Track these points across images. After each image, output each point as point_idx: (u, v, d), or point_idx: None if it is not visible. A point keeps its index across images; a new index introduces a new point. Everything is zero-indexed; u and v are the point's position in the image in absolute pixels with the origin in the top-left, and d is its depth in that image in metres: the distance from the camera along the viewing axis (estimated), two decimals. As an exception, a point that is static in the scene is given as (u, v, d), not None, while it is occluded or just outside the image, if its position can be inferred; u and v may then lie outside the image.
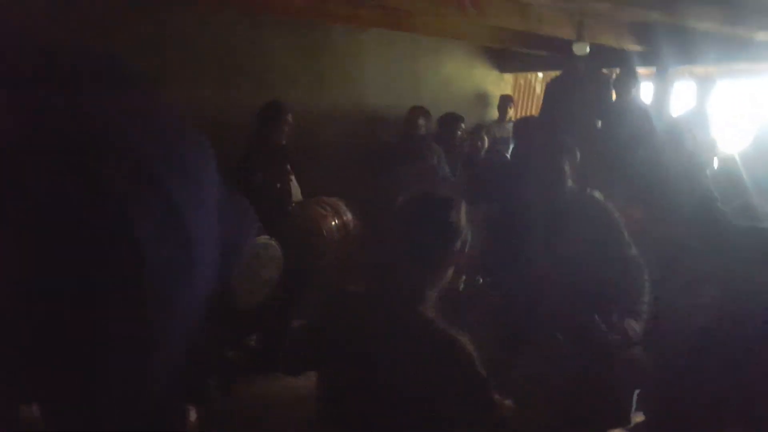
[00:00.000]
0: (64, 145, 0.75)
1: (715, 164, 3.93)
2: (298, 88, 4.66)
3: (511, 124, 4.99)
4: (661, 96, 4.35)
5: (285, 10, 4.00)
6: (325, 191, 3.79)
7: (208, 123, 4.21)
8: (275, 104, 3.51)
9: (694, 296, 2.51)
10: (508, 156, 4.50)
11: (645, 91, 4.28)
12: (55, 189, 0.72)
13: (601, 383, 2.48)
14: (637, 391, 3.05)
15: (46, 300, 0.72)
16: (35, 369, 0.76)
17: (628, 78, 4.02)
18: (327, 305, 1.53)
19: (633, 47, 4.12)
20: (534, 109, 5.88)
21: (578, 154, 2.65)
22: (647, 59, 4.19)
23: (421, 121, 4.30)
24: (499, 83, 5.77)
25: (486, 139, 4.66)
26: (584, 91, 4.15)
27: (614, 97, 4.14)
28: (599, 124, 4.13)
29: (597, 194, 2.67)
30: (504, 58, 5.62)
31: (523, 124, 4.29)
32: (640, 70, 4.16)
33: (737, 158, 3.56)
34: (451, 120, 4.37)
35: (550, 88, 4.43)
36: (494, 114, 5.56)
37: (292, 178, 3.67)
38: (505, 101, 5.43)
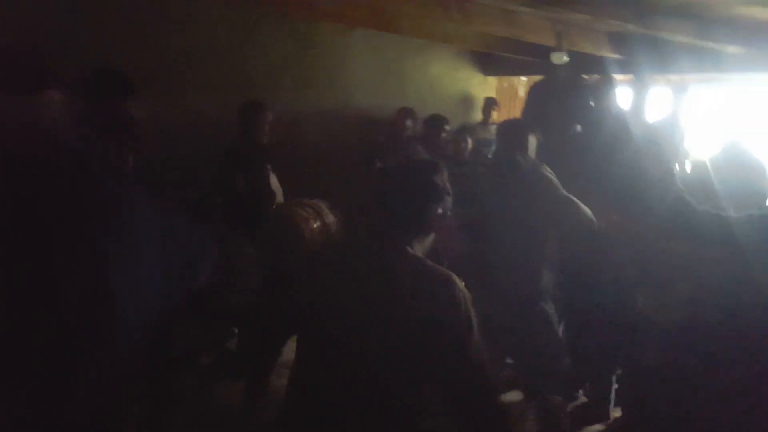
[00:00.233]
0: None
1: (688, 168, 4.10)
2: (283, 87, 4.69)
3: (494, 126, 5.11)
4: (637, 102, 4.51)
5: (271, 4, 4.03)
6: (308, 192, 3.83)
7: (192, 121, 4.29)
8: (255, 103, 3.49)
9: (668, 294, 2.64)
10: (490, 157, 4.62)
11: (622, 97, 4.44)
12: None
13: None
14: (615, 387, 3.19)
15: None
16: None
17: (607, 84, 4.17)
18: (304, 267, 1.53)
19: (611, 55, 4.27)
20: (517, 112, 6.01)
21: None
22: (625, 67, 4.34)
23: (408, 122, 4.39)
24: (483, 86, 5.89)
25: (470, 140, 4.77)
26: (565, 96, 4.28)
27: (593, 102, 4.28)
28: (579, 128, 4.26)
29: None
30: (488, 62, 5.74)
31: (506, 126, 4.41)
32: (618, 77, 4.31)
33: (708, 164, 3.72)
34: (436, 121, 4.47)
35: (532, 92, 4.56)
36: (478, 116, 5.68)
37: (274, 178, 3.66)
38: (489, 103, 5.56)
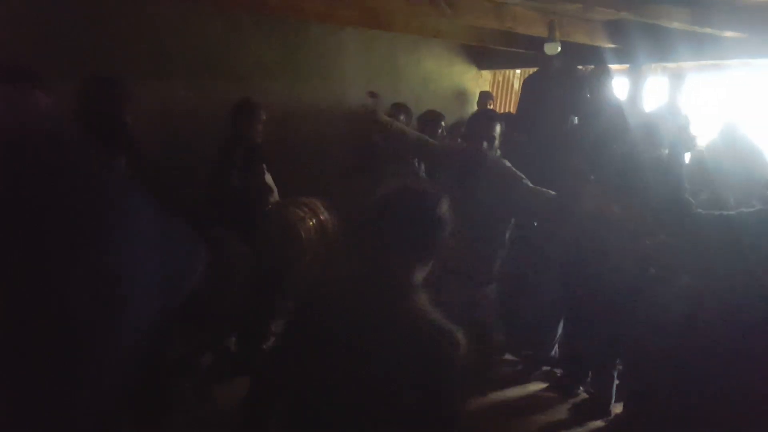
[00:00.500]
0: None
1: (687, 157, 4.03)
2: (277, 86, 4.65)
3: (490, 120, 5.06)
4: (634, 91, 4.45)
5: (261, 7, 4.00)
6: (303, 190, 3.81)
7: (185, 120, 4.28)
8: (247, 102, 3.47)
9: (670, 285, 2.60)
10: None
11: (619, 87, 4.38)
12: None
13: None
14: (616, 383, 3.15)
15: None
16: None
17: (602, 74, 4.10)
18: (307, 303, 1.50)
19: (606, 44, 4.21)
20: (512, 105, 5.96)
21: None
22: (621, 56, 4.28)
23: (402, 118, 4.33)
24: (477, 80, 5.84)
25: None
26: (560, 87, 4.23)
27: (589, 93, 4.23)
28: (575, 120, 4.21)
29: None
30: (482, 56, 5.69)
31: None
32: (614, 67, 4.25)
33: (705, 151, 3.66)
34: (431, 117, 4.41)
35: (527, 84, 4.50)
36: (473, 110, 5.62)
37: (268, 177, 3.65)
38: (485, 98, 5.50)
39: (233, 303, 3.35)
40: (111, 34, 3.89)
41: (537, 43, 3.95)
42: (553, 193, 2.74)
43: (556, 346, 3.67)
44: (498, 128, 2.78)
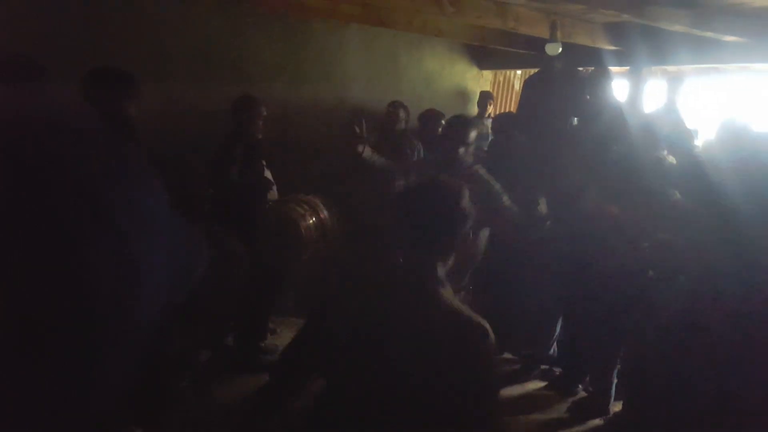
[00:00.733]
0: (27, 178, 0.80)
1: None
2: (278, 83, 4.67)
3: (490, 120, 5.08)
4: (634, 94, 4.48)
5: (263, 4, 4.02)
6: (303, 188, 3.82)
7: (186, 116, 4.29)
8: (248, 98, 3.46)
9: (669, 285, 2.61)
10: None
11: (619, 89, 4.40)
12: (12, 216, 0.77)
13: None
14: (615, 381, 3.17)
15: None
16: None
17: (603, 76, 4.13)
18: (331, 299, 1.52)
19: (607, 46, 4.24)
20: (513, 106, 5.99)
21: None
22: (621, 58, 4.31)
23: (402, 115, 4.35)
24: (478, 80, 5.86)
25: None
26: (560, 88, 4.25)
27: (589, 94, 4.25)
28: (575, 121, 4.23)
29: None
30: (483, 56, 5.71)
31: (501, 119, 4.38)
32: (614, 69, 4.27)
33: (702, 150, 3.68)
34: (431, 116, 4.44)
35: (528, 85, 4.52)
36: (474, 110, 5.65)
37: (268, 173, 3.64)
38: (485, 97, 5.52)
39: (231, 300, 3.36)
40: (112, 33, 3.90)
41: (538, 44, 3.98)
42: (516, 209, 2.79)
43: (555, 345, 3.69)
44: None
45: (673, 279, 2.58)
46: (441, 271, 1.40)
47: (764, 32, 3.38)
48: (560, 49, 3.76)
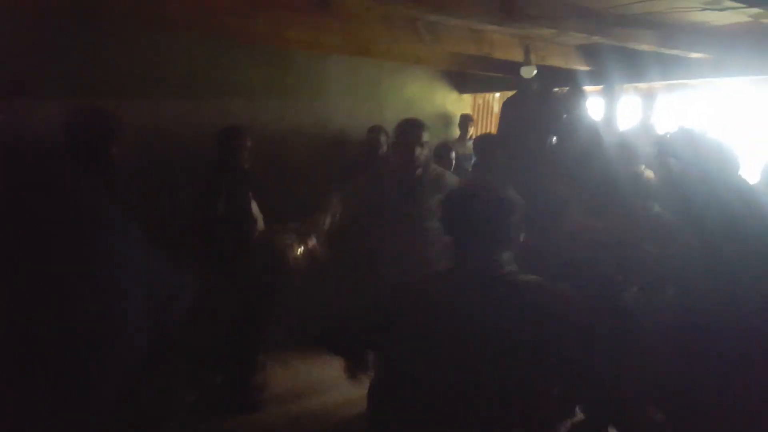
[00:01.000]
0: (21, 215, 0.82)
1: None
2: (262, 111, 4.72)
3: (472, 141, 5.18)
4: (609, 111, 4.62)
5: (247, 36, 4.10)
6: (288, 214, 3.84)
7: (170, 145, 4.32)
8: (234, 128, 3.46)
9: (655, 297, 2.66)
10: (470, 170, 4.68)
11: (594, 107, 4.54)
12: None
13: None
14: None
15: None
16: None
17: (578, 96, 4.26)
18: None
19: (581, 67, 4.38)
20: (492, 127, 6.12)
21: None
22: (595, 78, 4.46)
23: (383, 139, 4.43)
24: (459, 103, 5.99)
25: (453, 158, 4.71)
26: (538, 109, 4.37)
27: (566, 113, 4.37)
28: (553, 140, 4.34)
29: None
30: (463, 80, 5.85)
31: (482, 140, 4.48)
32: (589, 88, 4.41)
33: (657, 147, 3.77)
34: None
35: (506, 107, 4.63)
36: (456, 132, 5.76)
37: (254, 204, 3.61)
38: (466, 120, 5.65)
39: (214, 337, 3.27)
40: (99, 59, 3.95)
41: (514, 68, 4.10)
42: None
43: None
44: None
45: (657, 291, 2.63)
46: (506, 259, 1.48)
47: (727, 49, 3.53)
48: (535, 72, 3.89)
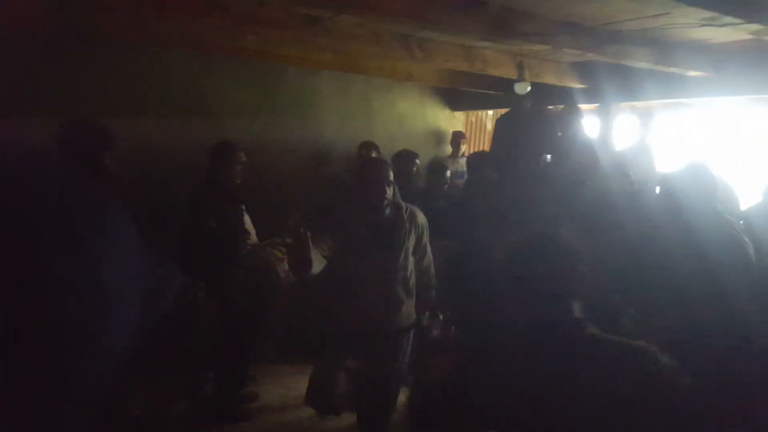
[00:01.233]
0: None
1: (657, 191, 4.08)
2: (253, 127, 4.69)
3: (464, 159, 5.10)
4: (604, 130, 4.54)
5: (238, 51, 4.05)
6: (281, 230, 3.77)
7: (162, 161, 4.29)
8: (225, 144, 3.45)
9: (655, 320, 2.58)
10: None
11: (589, 126, 4.46)
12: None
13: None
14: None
15: None
16: None
17: (573, 114, 4.18)
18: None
19: (575, 85, 4.30)
20: (485, 145, 6.04)
21: None
22: (590, 95, 4.38)
23: (374, 155, 4.35)
24: (451, 120, 5.92)
25: (448, 175, 4.55)
26: (531, 127, 4.29)
27: (560, 132, 4.29)
28: (548, 158, 4.26)
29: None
30: (455, 97, 5.79)
31: (475, 157, 4.39)
32: (585, 106, 4.34)
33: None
34: (406, 156, 4.43)
35: (499, 125, 4.56)
36: (448, 149, 5.68)
37: (247, 218, 3.62)
38: (458, 137, 5.57)
39: (200, 349, 3.30)
40: (91, 77, 3.97)
41: (507, 85, 4.03)
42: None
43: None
44: (392, 174, 2.60)
45: (661, 312, 2.55)
46: (578, 309, 1.42)
47: (726, 67, 3.46)
48: (529, 88, 3.81)
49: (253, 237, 3.76)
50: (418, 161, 4.50)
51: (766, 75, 3.33)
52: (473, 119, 6.31)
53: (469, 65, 3.72)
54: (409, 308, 2.61)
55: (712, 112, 4.52)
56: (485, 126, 6.22)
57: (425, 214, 3.16)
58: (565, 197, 3.55)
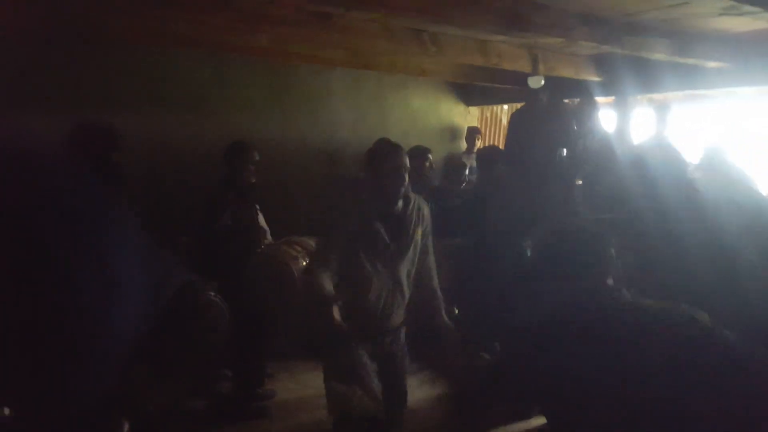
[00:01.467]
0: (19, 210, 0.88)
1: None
2: (267, 126, 4.72)
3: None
4: (621, 123, 4.47)
5: (250, 51, 4.06)
6: (292, 228, 3.78)
7: (175, 161, 4.36)
8: (240, 144, 3.48)
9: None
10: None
11: (606, 119, 4.40)
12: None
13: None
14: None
15: None
16: None
17: (589, 107, 4.12)
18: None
19: (592, 78, 4.24)
20: (501, 140, 5.99)
21: None
22: (607, 88, 4.31)
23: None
24: (465, 116, 5.88)
25: (467, 173, 4.47)
26: (547, 121, 4.24)
27: (576, 126, 4.24)
28: (564, 152, 4.21)
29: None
30: (470, 92, 5.74)
31: (485, 152, 4.35)
32: (601, 99, 4.27)
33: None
34: (418, 153, 4.40)
35: (514, 119, 4.51)
36: (462, 145, 5.64)
37: (261, 217, 3.64)
38: (473, 133, 5.53)
39: (213, 349, 3.28)
40: (105, 77, 4.05)
41: (523, 79, 3.98)
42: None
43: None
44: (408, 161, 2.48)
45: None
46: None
47: (747, 57, 3.38)
48: (543, 82, 3.76)
49: (268, 237, 3.76)
50: (430, 156, 4.47)
51: (787, 64, 3.26)
52: (488, 114, 6.25)
53: (484, 59, 3.67)
54: (407, 302, 2.58)
55: (732, 104, 4.43)
56: (500, 121, 6.17)
57: (441, 213, 3.12)
58: (582, 191, 3.51)
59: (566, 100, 4.59)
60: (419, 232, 2.51)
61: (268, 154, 3.92)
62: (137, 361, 1.08)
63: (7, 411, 0.89)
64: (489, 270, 3.46)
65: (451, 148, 5.64)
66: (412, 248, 2.48)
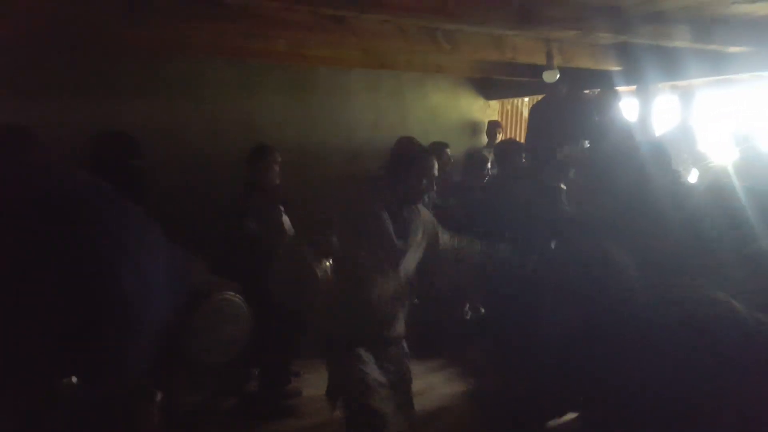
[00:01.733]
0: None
1: (696, 176, 3.95)
2: (288, 129, 4.79)
3: (496, 148, 5.03)
4: (644, 112, 4.39)
5: (268, 56, 4.12)
6: (318, 230, 3.82)
7: (199, 165, 4.47)
8: (263, 147, 3.58)
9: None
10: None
11: (628, 108, 4.34)
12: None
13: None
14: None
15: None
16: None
17: (609, 97, 4.08)
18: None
19: (612, 67, 4.18)
20: (522, 133, 5.95)
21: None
22: (628, 77, 4.24)
23: (414, 149, 4.34)
24: (485, 110, 5.85)
25: (489, 167, 4.35)
26: (567, 112, 4.21)
27: (597, 116, 4.19)
28: (585, 144, 4.17)
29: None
30: (488, 86, 5.71)
31: (502, 146, 4.32)
32: (622, 88, 4.21)
33: (730, 169, 3.56)
34: (434, 148, 4.41)
35: (534, 112, 4.49)
36: (483, 140, 5.62)
37: (286, 219, 3.67)
38: (493, 127, 5.50)
39: (242, 346, 3.34)
40: (129, 84, 4.20)
41: (541, 71, 3.95)
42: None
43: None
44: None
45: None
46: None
47: (765, 40, 3.30)
48: (557, 76, 3.74)
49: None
50: (448, 150, 4.46)
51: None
52: (509, 107, 6.21)
53: (500, 54, 3.66)
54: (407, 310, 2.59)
55: (757, 87, 4.32)
56: (522, 114, 6.12)
57: (462, 208, 3.10)
58: (602, 184, 3.46)
59: (586, 91, 4.54)
60: (421, 234, 2.53)
61: (291, 156, 3.99)
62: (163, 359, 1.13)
63: (75, 379, 0.97)
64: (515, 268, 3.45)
65: (472, 144, 5.62)
66: (415, 250, 2.50)
